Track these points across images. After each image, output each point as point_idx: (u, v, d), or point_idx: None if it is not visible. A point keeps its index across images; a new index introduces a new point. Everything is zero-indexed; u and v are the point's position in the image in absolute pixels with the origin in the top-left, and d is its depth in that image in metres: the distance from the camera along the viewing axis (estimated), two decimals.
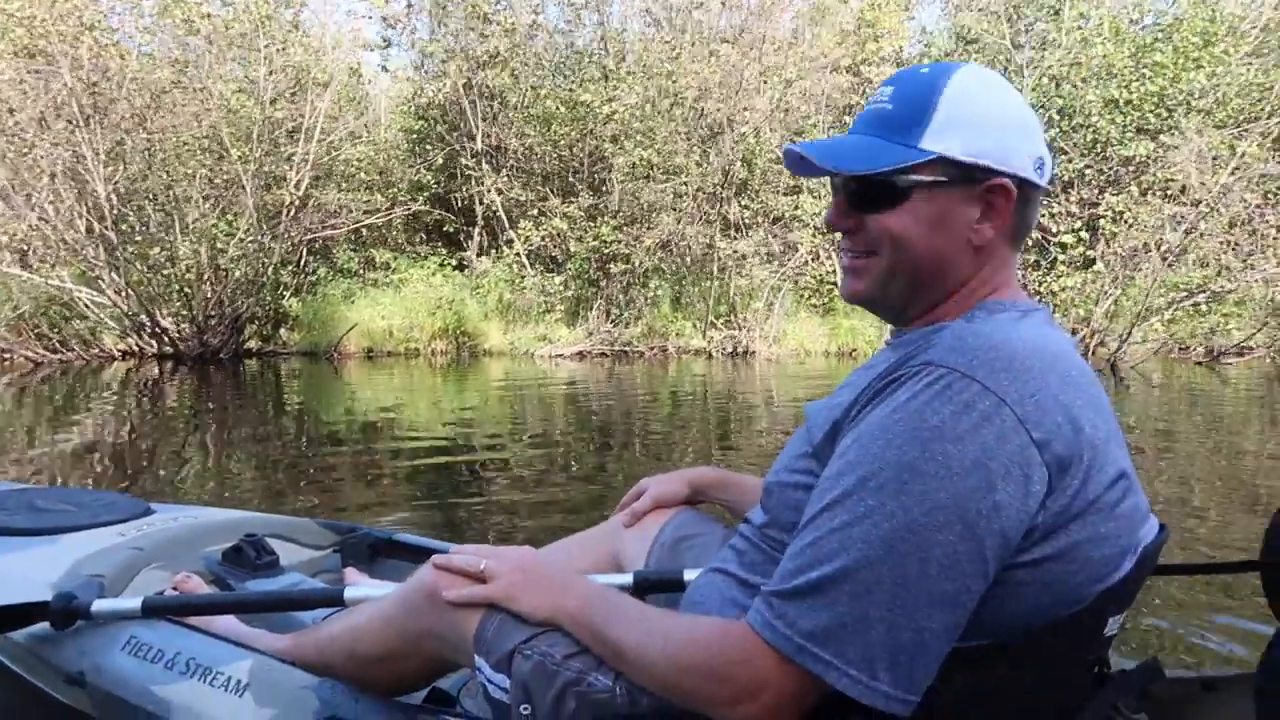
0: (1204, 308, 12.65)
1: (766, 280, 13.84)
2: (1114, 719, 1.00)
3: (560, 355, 12.54)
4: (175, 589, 1.77)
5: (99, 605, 1.56)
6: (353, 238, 13.83)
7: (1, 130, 9.89)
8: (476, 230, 14.83)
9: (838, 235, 1.09)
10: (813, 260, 14.40)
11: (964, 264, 1.00)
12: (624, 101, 13.58)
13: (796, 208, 14.20)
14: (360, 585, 1.59)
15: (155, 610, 1.56)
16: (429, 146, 14.79)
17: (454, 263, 14.21)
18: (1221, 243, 12.43)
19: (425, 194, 14.61)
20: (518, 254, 13.82)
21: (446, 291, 12.84)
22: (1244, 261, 12.38)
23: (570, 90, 13.88)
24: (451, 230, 15.09)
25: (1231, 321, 12.77)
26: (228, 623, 1.66)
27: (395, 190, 14.21)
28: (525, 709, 1.14)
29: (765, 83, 14.31)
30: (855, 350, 13.17)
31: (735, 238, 14.05)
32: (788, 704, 0.86)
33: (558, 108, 13.89)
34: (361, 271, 13.46)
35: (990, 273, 1.01)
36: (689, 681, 0.92)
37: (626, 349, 13.09)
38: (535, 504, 3.63)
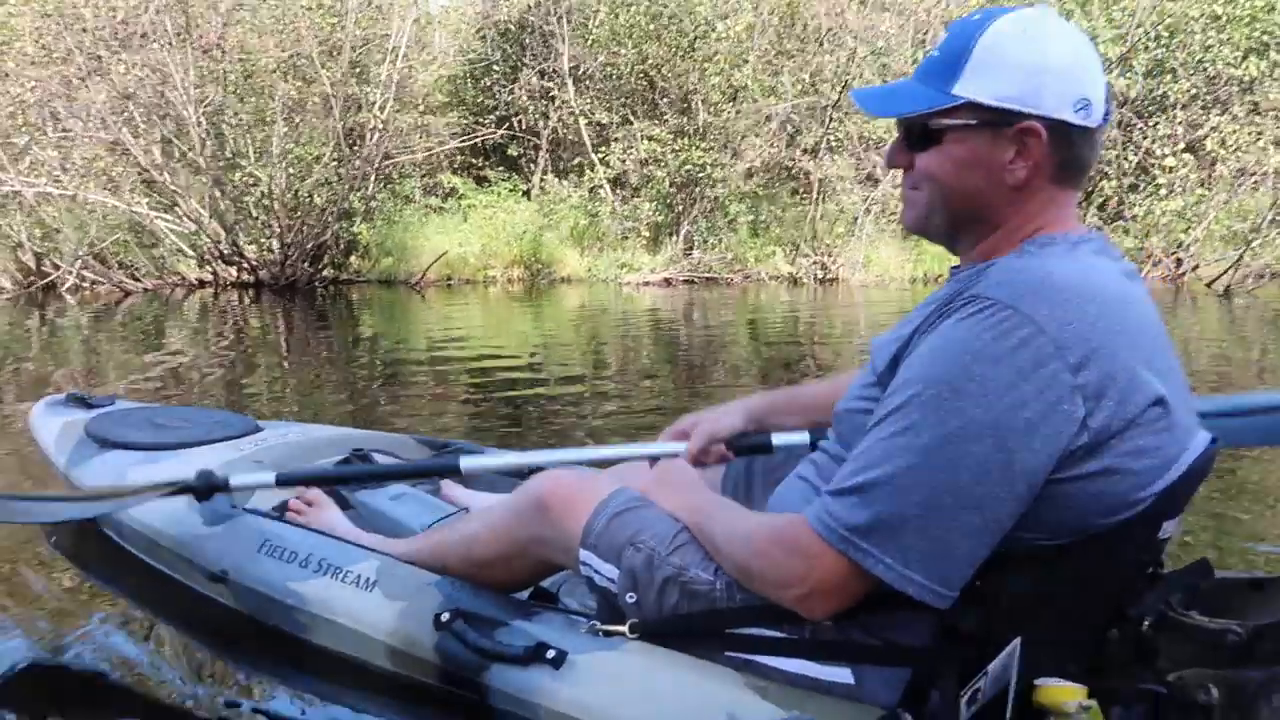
0: None
1: (855, 205, 13.68)
2: (1167, 615, 1.12)
3: (646, 283, 12.68)
4: (299, 499, 2.01)
5: (236, 479, 1.79)
6: (416, 163, 14.04)
7: (81, 49, 10.29)
8: (541, 154, 14.86)
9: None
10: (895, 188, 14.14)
11: (1001, 202, 1.11)
12: (742, 17, 13.35)
13: (887, 130, 13.86)
14: (474, 457, 1.80)
15: (287, 481, 1.79)
16: (496, 68, 14.77)
17: (523, 189, 14.32)
18: None
19: (492, 117, 14.67)
20: (601, 180, 13.82)
21: (522, 218, 13.01)
22: None
23: (666, 4, 13.50)
24: (516, 154, 15.14)
25: None
26: (348, 530, 1.90)
27: (460, 113, 14.31)
28: (631, 597, 1.33)
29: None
30: (941, 276, 12.90)
31: (831, 164, 13.84)
32: (831, 587, 1.05)
33: (649, 24, 13.63)
34: (419, 198, 13.63)
35: (1037, 209, 1.11)
36: (756, 564, 1.13)
37: (714, 275, 13.15)
38: (617, 422, 3.85)
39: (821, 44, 13.91)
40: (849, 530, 1.01)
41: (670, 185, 13.43)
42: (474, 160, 15.16)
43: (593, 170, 13.95)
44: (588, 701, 1.30)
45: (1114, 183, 13.62)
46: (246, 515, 1.89)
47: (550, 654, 1.35)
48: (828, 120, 13.84)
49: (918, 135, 1.12)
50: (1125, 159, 13.42)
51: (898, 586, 1.00)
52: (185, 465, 2.15)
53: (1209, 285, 12.05)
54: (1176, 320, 8.63)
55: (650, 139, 13.43)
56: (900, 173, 1.19)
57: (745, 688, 1.23)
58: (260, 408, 4.07)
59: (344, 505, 2.08)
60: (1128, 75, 12.87)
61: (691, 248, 13.40)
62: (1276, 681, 1.02)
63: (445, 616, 1.46)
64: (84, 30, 10.43)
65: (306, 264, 11.30)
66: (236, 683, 1.70)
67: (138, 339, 6.85)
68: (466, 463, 1.67)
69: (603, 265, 12.99)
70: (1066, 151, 1.09)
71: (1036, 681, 1.10)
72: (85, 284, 10.44)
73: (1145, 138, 13.25)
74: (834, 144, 14.08)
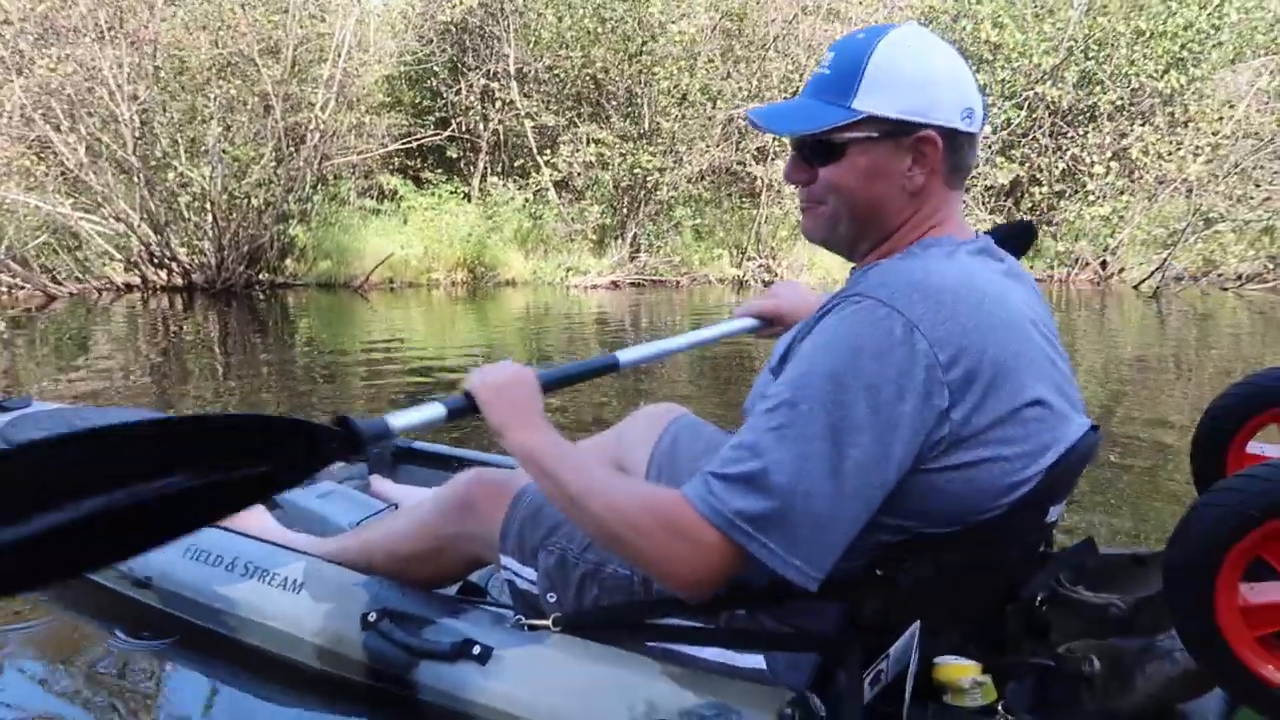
0: (1225, 235, 13.69)
1: (795, 209, 13.94)
2: (1058, 591, 1.20)
3: (594, 285, 12.72)
4: None
5: (398, 420, 1.30)
6: (355, 164, 13.84)
7: (2, 43, 9.96)
8: (480, 157, 14.80)
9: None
10: None
11: (900, 207, 1.18)
12: (694, 21, 13.45)
13: None
14: (631, 350, 1.65)
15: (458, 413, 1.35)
16: (437, 69, 14.66)
17: (464, 192, 14.24)
18: (1240, 172, 13.54)
19: (431, 118, 14.57)
20: (546, 182, 13.81)
21: (465, 220, 12.95)
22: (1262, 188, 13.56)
23: (615, 8, 13.51)
24: (455, 156, 15.05)
25: (1231, 249, 13.80)
26: (275, 531, 1.91)
27: (399, 114, 14.18)
28: (552, 597, 1.39)
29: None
30: None
31: (776, 168, 14.04)
32: (715, 572, 1.07)
33: (596, 27, 13.65)
34: (354, 200, 13.42)
35: (930, 211, 1.19)
36: (633, 538, 1.10)
37: (661, 278, 13.26)
38: (556, 420, 3.87)
39: (766, 50, 14.09)
40: (737, 515, 1.04)
41: (616, 188, 13.50)
42: (411, 162, 15.02)
43: (538, 173, 13.95)
44: (513, 694, 1.35)
45: (1044, 188, 14.23)
46: None
47: (476, 649, 1.39)
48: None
49: (820, 150, 1.18)
50: (1055, 166, 14.03)
51: (778, 569, 1.04)
52: None
53: (1136, 287, 12.66)
54: (1105, 320, 8.98)
55: (596, 142, 13.47)
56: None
57: (664, 675, 1.28)
58: (191, 406, 4.02)
59: (270, 506, 2.08)
60: (1059, 85, 13.44)
61: (638, 251, 13.47)
62: (1150, 650, 1.11)
63: (373, 616, 1.49)
64: (6, 23, 10.12)
65: (242, 267, 11.10)
66: (165, 686, 1.70)
67: (61, 344, 6.69)
68: (624, 355, 1.62)
69: (548, 268, 13.01)
70: (956, 157, 1.17)
71: (935, 660, 1.18)
72: (3, 288, 10.10)
73: (1075, 145, 13.88)
74: (779, 149, 14.29)
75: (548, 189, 13.86)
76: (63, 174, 10.47)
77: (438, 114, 14.67)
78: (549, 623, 1.37)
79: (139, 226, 10.47)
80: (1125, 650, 1.12)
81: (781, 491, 1.02)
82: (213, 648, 1.71)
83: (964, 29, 14.36)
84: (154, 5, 10.71)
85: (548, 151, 14.04)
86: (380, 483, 2.29)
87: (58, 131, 10.13)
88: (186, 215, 10.76)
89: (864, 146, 1.15)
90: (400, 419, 1.28)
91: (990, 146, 13.95)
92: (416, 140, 14.00)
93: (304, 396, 4.64)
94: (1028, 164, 14.31)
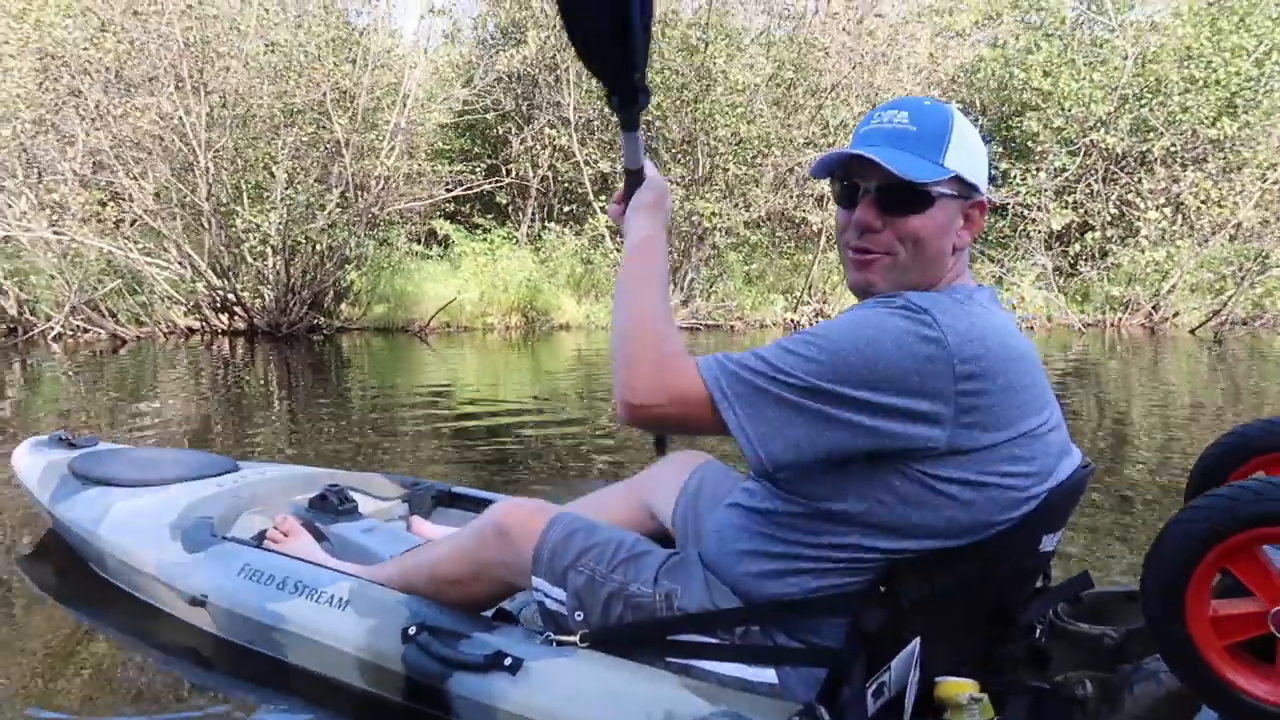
0: (1274, 279, 13.68)
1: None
2: (1056, 625, 1.27)
3: None
4: (275, 528, 2.17)
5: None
6: (417, 211, 14.24)
7: (83, 92, 10.53)
8: (530, 202, 15.19)
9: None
10: None
11: (948, 262, 1.33)
12: (760, 72, 13.79)
13: None
14: None
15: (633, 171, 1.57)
16: (490, 117, 15.13)
17: (517, 238, 14.60)
18: None
19: (481, 165, 15.02)
20: (602, 228, 14.10)
21: (522, 265, 13.25)
22: None
23: (684, 57, 13.88)
24: (504, 202, 15.46)
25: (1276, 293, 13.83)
26: (323, 557, 2.06)
27: (451, 160, 14.63)
28: (579, 615, 1.50)
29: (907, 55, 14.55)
30: None
31: (828, 213, 14.16)
32: (681, 416, 1.22)
33: (654, 76, 13.97)
34: (403, 244, 13.71)
35: (962, 267, 1.35)
36: (638, 355, 1.25)
37: (716, 323, 13.42)
38: (587, 464, 4.01)
39: (824, 99, 14.30)
40: (731, 394, 1.19)
41: (671, 234, 13.68)
42: (461, 208, 15.44)
43: (593, 218, 14.24)
44: (541, 704, 1.46)
45: (1098, 234, 14.24)
46: (227, 543, 2.04)
47: (507, 661, 1.50)
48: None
49: (909, 199, 1.28)
50: (1108, 211, 14.07)
51: (737, 439, 1.19)
52: (166, 501, 2.31)
53: (1192, 332, 12.61)
54: (1159, 364, 8.94)
55: None
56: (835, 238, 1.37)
57: (682, 689, 1.39)
58: (248, 454, 4.21)
59: (318, 537, 2.23)
60: (1113, 132, 13.50)
61: (692, 295, 13.64)
62: (1139, 671, 1.18)
63: (412, 630, 1.62)
64: (85, 73, 10.69)
65: (303, 311, 11.47)
66: (212, 705, 1.82)
67: (126, 386, 7.00)
68: None
69: (601, 312, 13.21)
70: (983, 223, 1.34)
71: (936, 679, 1.25)
72: (70, 332, 10.45)
73: (1129, 191, 13.94)
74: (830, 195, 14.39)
75: (604, 235, 14.14)
76: (132, 220, 10.95)
77: (488, 160, 15.11)
78: (576, 639, 1.48)
79: (205, 271, 10.90)
80: (1116, 674, 1.19)
81: (769, 403, 1.17)
82: (257, 666, 1.85)
83: (1011, 76, 14.52)
84: (237, 54, 11.23)
85: (604, 197, 14.33)
86: (420, 524, 2.43)
87: (130, 179, 10.64)
88: (251, 260, 11.17)
89: (945, 202, 1.29)
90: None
91: (1043, 192, 13.97)
92: (475, 188, 14.41)
93: (354, 438, 4.83)
94: (1081, 209, 14.30)
